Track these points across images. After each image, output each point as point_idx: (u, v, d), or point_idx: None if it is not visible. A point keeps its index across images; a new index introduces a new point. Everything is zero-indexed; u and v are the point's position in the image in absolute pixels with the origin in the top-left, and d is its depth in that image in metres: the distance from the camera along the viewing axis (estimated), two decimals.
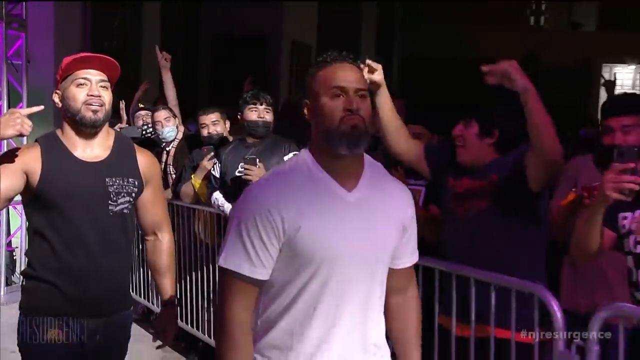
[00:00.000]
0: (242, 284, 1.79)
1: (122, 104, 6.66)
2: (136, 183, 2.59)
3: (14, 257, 7.01)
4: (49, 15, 7.52)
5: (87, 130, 2.48)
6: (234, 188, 4.37)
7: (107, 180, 2.49)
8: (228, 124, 5.23)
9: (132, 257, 2.89)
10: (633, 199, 2.37)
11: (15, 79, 6.96)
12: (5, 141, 5.20)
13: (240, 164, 4.37)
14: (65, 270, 2.47)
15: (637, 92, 26.25)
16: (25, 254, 2.60)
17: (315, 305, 1.80)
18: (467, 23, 23.71)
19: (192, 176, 5.07)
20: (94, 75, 2.45)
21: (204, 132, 5.20)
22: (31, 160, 2.42)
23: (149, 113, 6.10)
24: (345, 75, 1.81)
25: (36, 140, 2.51)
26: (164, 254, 2.80)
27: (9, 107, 6.74)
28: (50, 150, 2.46)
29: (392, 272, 1.97)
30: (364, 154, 1.89)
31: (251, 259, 1.77)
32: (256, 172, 4.19)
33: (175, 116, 5.63)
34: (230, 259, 1.79)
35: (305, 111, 1.89)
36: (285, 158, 4.38)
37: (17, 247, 7.01)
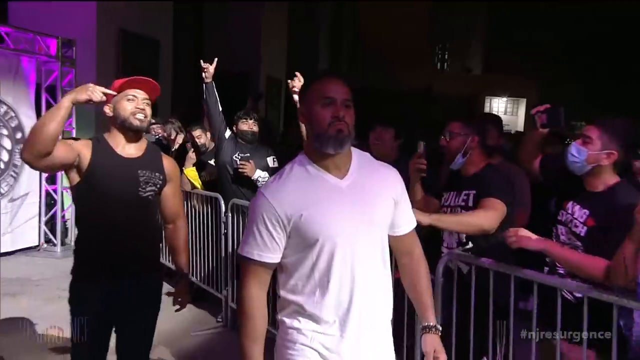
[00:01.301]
0: (255, 267, 1.67)
1: None
2: (161, 177, 2.52)
3: (67, 226, 7.19)
4: (92, 56, 7.45)
5: (131, 134, 2.43)
6: (235, 176, 4.49)
7: (139, 172, 2.44)
8: (209, 135, 5.19)
9: (158, 233, 2.66)
10: None
11: None
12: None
13: (237, 160, 4.44)
14: (104, 238, 2.39)
15: (507, 116, 26.98)
16: (76, 225, 2.56)
17: (329, 277, 1.64)
18: (397, 64, 24.38)
19: (183, 168, 5.12)
20: (140, 94, 2.42)
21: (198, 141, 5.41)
22: (84, 148, 2.36)
23: (160, 126, 6.29)
24: (335, 88, 1.65)
25: (89, 139, 2.47)
26: (180, 238, 2.72)
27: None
28: (99, 146, 2.40)
29: (397, 239, 1.82)
30: (351, 147, 1.74)
31: (260, 246, 1.65)
32: (249, 167, 4.34)
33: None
34: (245, 248, 1.68)
35: (300, 117, 1.75)
36: (268, 159, 4.52)
37: (69, 219, 7.17)
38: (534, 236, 2.23)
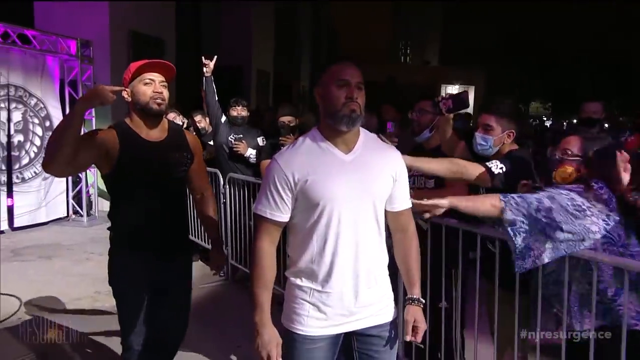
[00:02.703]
0: (267, 224, 1.59)
1: None
2: (188, 156, 2.21)
3: (91, 200, 7.12)
4: (106, 55, 7.33)
5: (152, 119, 2.10)
6: (230, 154, 4.43)
7: (169, 154, 2.12)
8: (208, 119, 5.09)
9: (188, 214, 2.36)
10: None
11: None
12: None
13: (232, 141, 4.40)
14: (142, 224, 2.08)
15: None
16: (108, 216, 2.17)
17: (326, 238, 1.56)
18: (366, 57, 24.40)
19: None
20: (157, 77, 2.08)
21: (199, 125, 5.34)
22: (109, 139, 2.02)
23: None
24: (349, 71, 1.55)
25: (110, 127, 2.12)
26: (210, 208, 2.37)
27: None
28: (124, 134, 2.06)
29: (393, 215, 1.70)
30: (360, 128, 1.63)
31: (271, 205, 1.57)
32: (242, 146, 4.33)
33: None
34: (258, 207, 1.59)
35: (317, 97, 1.61)
36: (258, 139, 4.48)
37: (92, 193, 7.13)
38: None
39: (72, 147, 1.84)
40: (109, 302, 3.91)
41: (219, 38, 11.85)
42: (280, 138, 3.83)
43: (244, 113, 4.51)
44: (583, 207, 1.77)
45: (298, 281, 1.62)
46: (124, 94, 2.09)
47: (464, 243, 2.29)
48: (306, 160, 1.56)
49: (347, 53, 23.49)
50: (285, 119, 4.00)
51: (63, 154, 1.83)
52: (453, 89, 29.31)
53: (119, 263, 2.12)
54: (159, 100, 2.06)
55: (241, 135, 4.43)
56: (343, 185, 1.55)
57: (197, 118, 5.35)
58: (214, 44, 11.47)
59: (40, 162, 6.35)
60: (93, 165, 2.08)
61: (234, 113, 4.48)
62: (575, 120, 4.49)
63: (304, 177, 1.54)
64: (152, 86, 2.06)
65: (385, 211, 1.68)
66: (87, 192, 7.03)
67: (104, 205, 7.66)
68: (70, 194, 6.89)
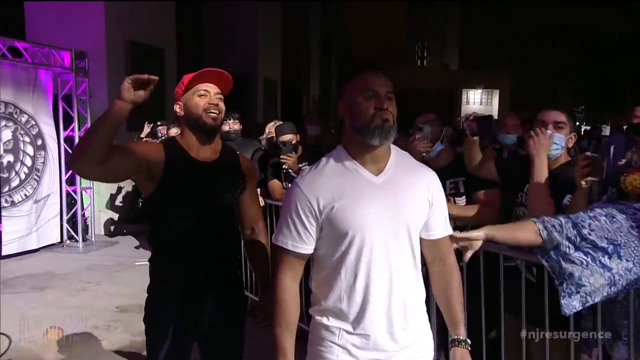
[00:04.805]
0: (288, 257, 1.52)
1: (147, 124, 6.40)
2: (240, 181, 2.09)
3: (87, 223, 7.12)
4: (103, 66, 7.40)
5: (205, 135, 1.97)
6: None
7: (218, 177, 2.00)
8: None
9: (239, 243, 2.19)
10: None
11: (82, 109, 6.90)
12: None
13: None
14: (185, 255, 1.94)
15: (483, 107, 26.97)
16: (149, 243, 2.05)
17: (356, 272, 1.48)
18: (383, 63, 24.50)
19: None
20: (212, 88, 1.98)
21: None
22: (154, 153, 1.91)
23: (165, 127, 6.10)
24: (376, 80, 1.49)
25: (161, 142, 2.01)
26: (262, 245, 2.19)
27: (79, 128, 6.83)
28: (171, 150, 1.95)
29: (430, 243, 1.61)
30: (391, 145, 1.55)
31: (294, 236, 1.50)
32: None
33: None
34: (279, 238, 1.52)
35: (341, 111, 1.56)
36: (254, 151, 4.44)
37: (88, 217, 7.14)
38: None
39: (106, 143, 1.70)
40: (107, 339, 3.85)
41: (223, 45, 11.91)
42: (281, 157, 3.77)
43: (237, 127, 4.49)
44: None
45: (325, 320, 1.54)
46: (177, 107, 2.00)
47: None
48: (332, 183, 1.48)
49: (360, 57, 23.49)
50: (286, 137, 3.93)
51: (94, 149, 1.69)
52: (476, 94, 29.27)
53: (157, 304, 1.98)
54: (213, 114, 1.95)
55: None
56: (374, 211, 1.47)
57: (231, 122, 5.27)
58: (218, 52, 11.54)
59: (31, 183, 6.44)
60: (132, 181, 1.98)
61: (225, 128, 4.45)
62: (617, 127, 4.32)
63: (329, 203, 1.46)
64: (207, 98, 1.97)
65: (421, 239, 1.59)
66: (83, 215, 7.02)
67: (101, 228, 7.66)
68: (65, 217, 6.88)
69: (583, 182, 1.94)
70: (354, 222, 1.46)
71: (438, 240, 1.61)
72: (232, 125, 4.47)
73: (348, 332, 1.51)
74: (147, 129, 6.33)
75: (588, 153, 2.02)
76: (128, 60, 7.94)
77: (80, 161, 1.72)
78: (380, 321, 1.50)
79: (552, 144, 2.17)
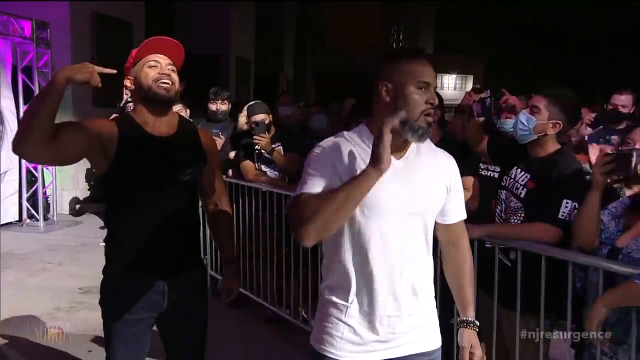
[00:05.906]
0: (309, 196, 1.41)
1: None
2: (200, 157, 2.00)
3: (49, 202, 6.97)
4: (67, 38, 7.16)
5: (159, 107, 1.87)
6: None
7: (177, 152, 1.91)
8: (188, 111, 4.90)
9: (199, 223, 2.09)
10: None
11: (44, 82, 6.64)
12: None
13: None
14: (142, 233, 1.86)
15: (457, 92, 27.24)
16: (104, 222, 1.96)
17: (367, 252, 1.47)
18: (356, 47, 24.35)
19: None
20: (163, 59, 1.88)
21: None
22: (106, 129, 1.81)
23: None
24: (430, 71, 1.46)
25: (114, 117, 1.90)
26: (225, 219, 2.16)
27: None
28: (125, 126, 1.85)
29: (445, 227, 1.64)
30: None
31: (320, 182, 1.43)
32: (219, 142, 4.13)
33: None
34: (304, 187, 1.43)
35: (383, 92, 1.47)
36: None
37: (50, 195, 7.00)
38: (474, 226, 1.98)
39: (50, 121, 1.61)
40: (70, 321, 3.77)
41: (194, 21, 11.65)
42: (254, 137, 3.73)
43: (224, 107, 4.39)
44: None
45: (333, 297, 1.54)
46: (127, 82, 1.90)
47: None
48: (352, 157, 1.46)
49: (334, 33, 23.36)
50: (258, 117, 3.87)
51: (38, 129, 1.59)
52: (450, 78, 29.53)
53: (112, 286, 1.91)
54: (165, 85, 1.84)
55: (218, 131, 4.29)
56: (392, 194, 1.46)
57: (177, 108, 5.16)
58: (188, 28, 11.28)
59: None
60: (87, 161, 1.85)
61: (213, 107, 4.35)
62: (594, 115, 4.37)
63: (349, 173, 1.41)
64: (158, 68, 1.87)
65: (436, 223, 1.61)
66: (44, 193, 6.83)
67: (64, 207, 7.47)
68: (25, 195, 6.68)
69: (607, 179, 1.91)
70: (371, 203, 1.43)
71: (452, 225, 1.65)
72: (220, 106, 4.36)
73: (355, 311, 1.52)
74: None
75: (609, 150, 2.01)
76: (94, 33, 7.71)
77: (23, 144, 1.61)
78: (387, 303, 1.51)
79: (519, 127, 2.22)
